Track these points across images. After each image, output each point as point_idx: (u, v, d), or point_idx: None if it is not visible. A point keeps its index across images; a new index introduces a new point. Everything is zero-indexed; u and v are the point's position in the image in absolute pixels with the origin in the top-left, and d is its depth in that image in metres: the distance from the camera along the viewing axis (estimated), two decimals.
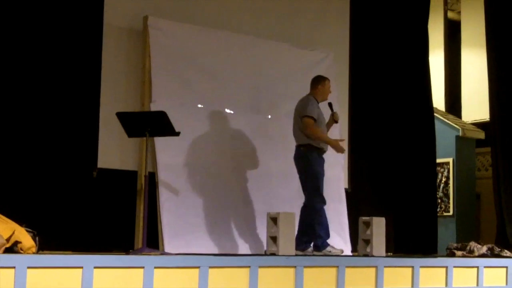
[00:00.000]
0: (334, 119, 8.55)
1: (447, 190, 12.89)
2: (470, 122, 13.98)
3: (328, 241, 8.24)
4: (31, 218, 6.65)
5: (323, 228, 8.16)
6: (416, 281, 7.84)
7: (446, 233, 12.35)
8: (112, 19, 8.57)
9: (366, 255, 8.12)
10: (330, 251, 8.10)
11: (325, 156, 8.58)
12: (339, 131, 10.01)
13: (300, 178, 8.39)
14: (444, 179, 12.91)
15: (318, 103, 8.40)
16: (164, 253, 7.50)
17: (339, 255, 8.06)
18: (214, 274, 6.40)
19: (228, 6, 9.60)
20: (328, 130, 8.58)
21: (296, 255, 7.64)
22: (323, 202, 8.23)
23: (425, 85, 11.57)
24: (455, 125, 13.06)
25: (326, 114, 8.56)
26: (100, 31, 8.46)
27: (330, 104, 8.56)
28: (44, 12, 8.10)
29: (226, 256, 7.09)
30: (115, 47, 8.61)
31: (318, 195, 8.23)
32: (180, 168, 8.63)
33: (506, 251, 9.33)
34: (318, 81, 8.50)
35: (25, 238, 5.94)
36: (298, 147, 8.37)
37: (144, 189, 7.56)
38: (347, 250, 9.75)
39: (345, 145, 10.24)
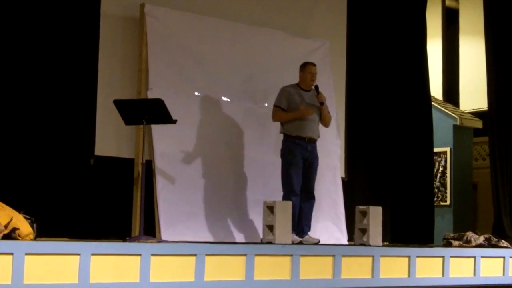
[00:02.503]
0: (319, 101, 8.45)
1: (444, 179, 12.88)
2: (467, 111, 13.97)
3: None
4: (29, 205, 6.64)
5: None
6: (413, 270, 7.85)
7: (443, 223, 12.36)
8: (109, 7, 8.54)
9: (362, 245, 8.12)
10: None
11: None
12: (336, 119, 10.00)
13: None
14: (441, 169, 12.89)
15: (304, 90, 8.40)
16: (161, 241, 7.51)
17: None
18: (211, 262, 6.41)
19: None
20: (321, 114, 8.47)
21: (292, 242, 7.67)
22: (291, 194, 8.14)
23: (422, 73, 11.53)
24: (452, 114, 13.03)
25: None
26: (97, 19, 8.44)
27: (315, 87, 8.48)
28: (40, 0, 8.08)
29: (223, 244, 7.10)
30: (112, 35, 8.59)
31: (286, 187, 8.20)
32: (177, 156, 8.62)
33: (503, 241, 9.32)
34: (300, 69, 8.53)
35: (23, 224, 5.95)
36: None
37: (141, 176, 7.58)
38: (344, 239, 9.75)
39: (342, 134, 10.31)
